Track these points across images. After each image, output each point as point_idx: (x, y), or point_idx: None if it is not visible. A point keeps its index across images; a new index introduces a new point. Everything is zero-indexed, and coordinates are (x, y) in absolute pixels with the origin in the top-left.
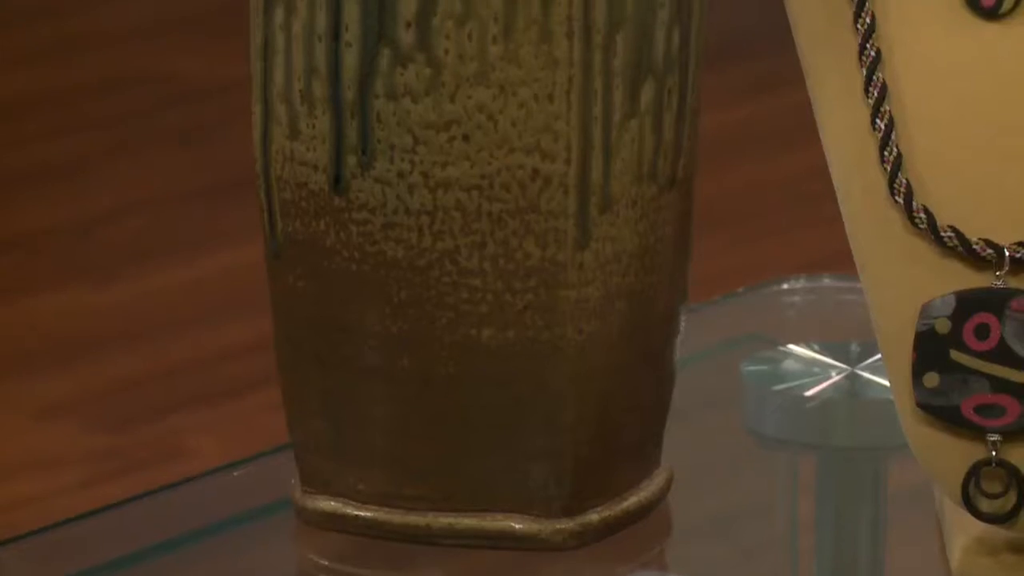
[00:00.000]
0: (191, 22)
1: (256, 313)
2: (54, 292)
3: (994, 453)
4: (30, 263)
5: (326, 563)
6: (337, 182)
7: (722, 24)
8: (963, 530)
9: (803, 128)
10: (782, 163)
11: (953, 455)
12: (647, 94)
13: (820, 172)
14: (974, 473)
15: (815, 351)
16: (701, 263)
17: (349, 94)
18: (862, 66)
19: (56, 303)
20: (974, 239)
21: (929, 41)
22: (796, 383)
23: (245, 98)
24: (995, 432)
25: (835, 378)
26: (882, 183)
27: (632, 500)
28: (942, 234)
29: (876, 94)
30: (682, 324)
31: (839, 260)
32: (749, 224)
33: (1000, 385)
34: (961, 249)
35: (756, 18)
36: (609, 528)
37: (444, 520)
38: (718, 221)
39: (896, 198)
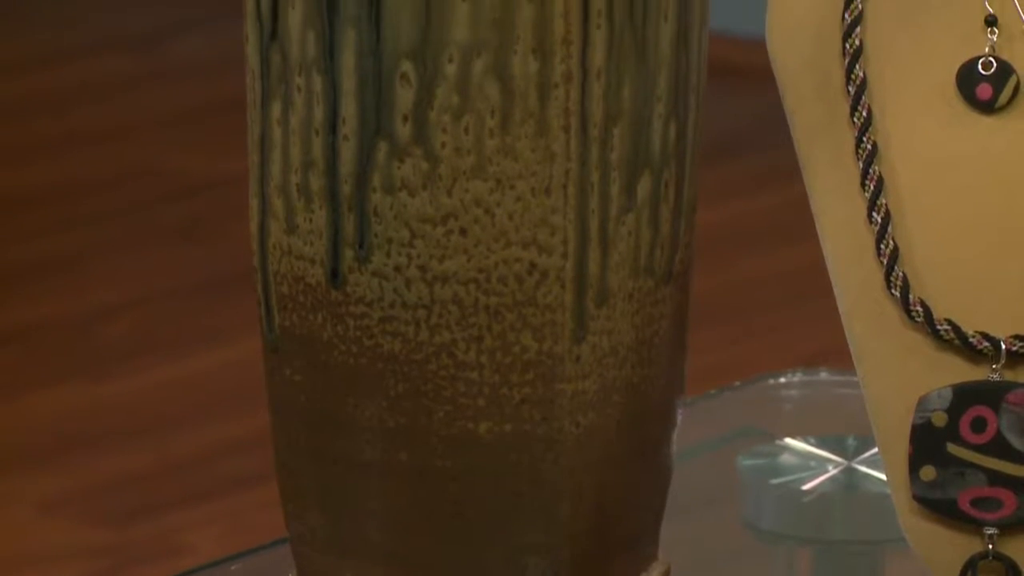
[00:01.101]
0: (190, 118)
1: (254, 408)
2: (52, 387)
3: (991, 546)
4: (28, 358)
5: None
6: (334, 276)
7: (719, 119)
8: None
9: (800, 223)
10: (779, 258)
11: (950, 548)
12: (644, 187)
13: (817, 267)
14: (971, 566)
15: (812, 445)
16: (698, 357)
17: (346, 188)
18: (859, 159)
19: (54, 398)
20: (971, 332)
21: (926, 134)
22: (793, 477)
23: (244, 194)
24: (992, 525)
25: (832, 472)
26: (879, 276)
27: None
28: (939, 327)
29: (872, 187)
30: (679, 417)
31: (836, 354)
32: (746, 318)
33: (997, 478)
34: (958, 342)
35: (753, 113)
36: None
37: None
38: (716, 315)
39: (892, 291)
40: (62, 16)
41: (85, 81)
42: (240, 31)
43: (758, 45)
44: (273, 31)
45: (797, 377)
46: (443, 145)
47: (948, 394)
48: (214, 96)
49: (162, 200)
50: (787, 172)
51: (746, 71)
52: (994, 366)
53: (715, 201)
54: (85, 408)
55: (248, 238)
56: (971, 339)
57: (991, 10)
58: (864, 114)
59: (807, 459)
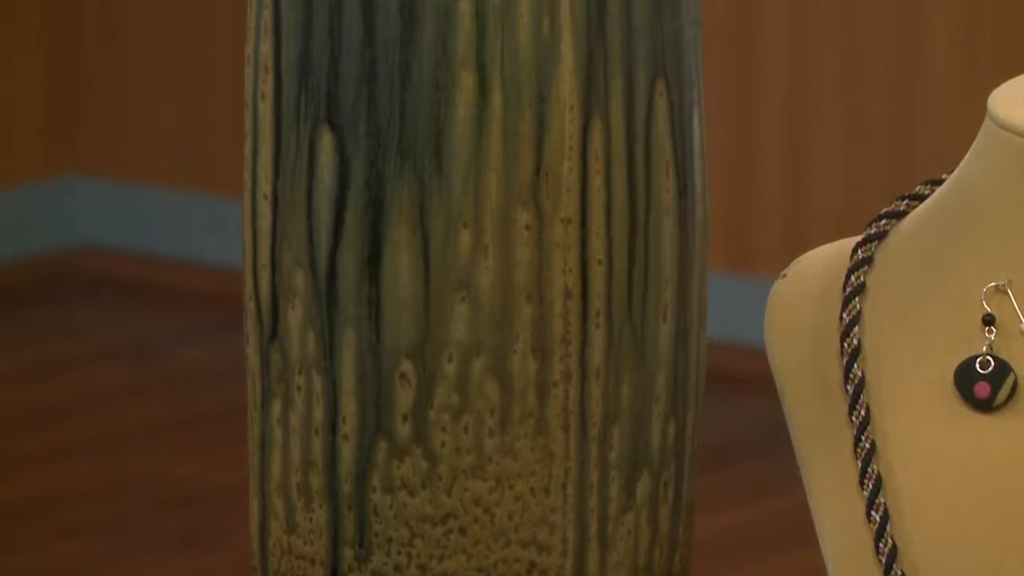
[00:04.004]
0: (188, 426)
1: None
2: None
3: None
4: None
5: None
6: (334, 575)
7: (719, 426)
8: None
9: (799, 530)
10: (778, 566)
11: None
12: (643, 487)
13: (817, 573)
14: None
15: None
16: None
17: (346, 487)
18: (857, 458)
19: None
20: None
21: (924, 433)
22: None
23: (242, 501)
24: None
25: None
26: (878, 575)
27: None
28: None
29: (871, 486)
30: None
31: None
32: None
33: None
34: None
35: (752, 420)
36: None
37: None
38: None
39: None
40: (62, 327)
41: (83, 391)
42: (238, 340)
43: (758, 353)
44: (273, 331)
45: None
46: (443, 444)
47: None
48: (212, 404)
49: (160, 509)
50: (787, 479)
51: (746, 379)
52: None
53: (715, 507)
54: None
55: (247, 544)
56: None
57: (989, 309)
58: (863, 413)
59: None
